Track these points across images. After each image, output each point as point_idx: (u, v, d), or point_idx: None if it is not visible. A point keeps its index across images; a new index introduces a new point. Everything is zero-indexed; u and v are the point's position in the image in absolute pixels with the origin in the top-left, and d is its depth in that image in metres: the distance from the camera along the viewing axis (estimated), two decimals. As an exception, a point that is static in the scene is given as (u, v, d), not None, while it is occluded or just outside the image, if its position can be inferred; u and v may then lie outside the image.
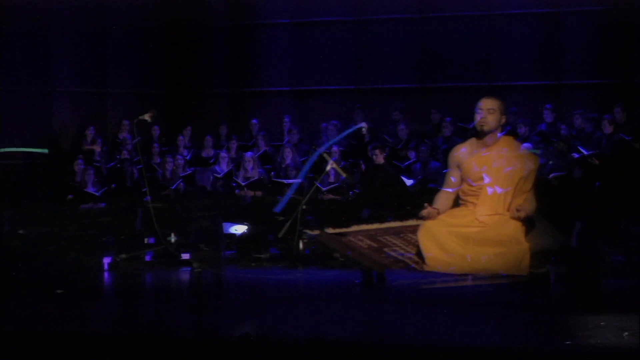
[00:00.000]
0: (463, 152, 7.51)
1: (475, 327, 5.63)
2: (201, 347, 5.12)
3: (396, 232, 7.73)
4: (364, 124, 11.51)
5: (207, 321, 6.00)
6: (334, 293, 7.08)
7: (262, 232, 9.38)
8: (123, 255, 8.30)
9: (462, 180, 7.47)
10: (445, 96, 15.04)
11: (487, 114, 7.33)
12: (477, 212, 7.29)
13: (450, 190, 7.51)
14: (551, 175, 11.69)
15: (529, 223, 7.20)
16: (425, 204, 7.41)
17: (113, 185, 13.47)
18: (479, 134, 7.46)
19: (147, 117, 8.65)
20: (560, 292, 6.90)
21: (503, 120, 7.46)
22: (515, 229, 7.16)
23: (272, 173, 13.46)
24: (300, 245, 7.97)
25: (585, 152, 12.13)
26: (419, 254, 7.25)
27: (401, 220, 8.09)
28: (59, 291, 6.99)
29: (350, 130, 11.86)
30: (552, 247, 7.18)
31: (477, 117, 7.37)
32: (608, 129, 12.50)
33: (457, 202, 7.52)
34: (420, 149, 13.07)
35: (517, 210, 7.17)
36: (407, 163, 13.21)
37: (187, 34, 16.11)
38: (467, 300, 6.63)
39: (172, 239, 8.59)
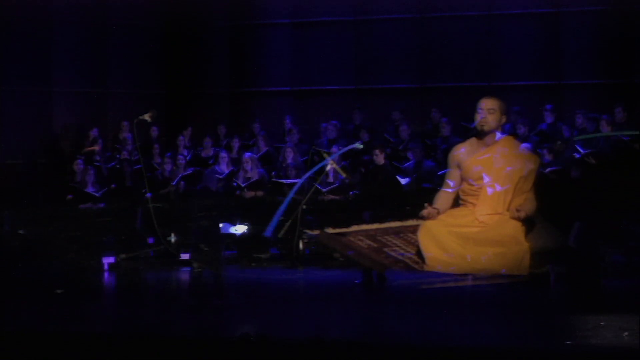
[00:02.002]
0: (463, 152, 7.51)
1: (476, 327, 5.62)
2: (201, 347, 5.11)
3: (396, 232, 7.72)
4: (359, 143, 11.51)
5: (207, 321, 6.00)
6: (334, 293, 7.07)
7: (262, 233, 9.38)
8: (123, 255, 8.32)
9: (462, 180, 7.47)
10: (446, 96, 15.05)
11: (488, 114, 7.35)
12: (477, 212, 7.29)
13: (450, 190, 7.51)
14: (547, 170, 11.67)
15: (529, 223, 7.21)
16: (425, 204, 7.42)
17: (113, 186, 13.45)
18: (479, 134, 7.47)
19: (147, 117, 8.68)
20: (561, 292, 6.89)
21: (503, 120, 7.49)
22: (515, 229, 7.16)
23: (273, 173, 13.44)
24: (301, 245, 7.97)
25: (582, 151, 12.14)
26: (419, 254, 7.25)
27: (401, 220, 8.07)
28: (59, 291, 6.99)
29: (346, 149, 11.79)
30: (552, 247, 7.16)
31: (478, 117, 7.38)
32: (606, 129, 12.50)
33: (457, 202, 7.52)
34: (414, 149, 13.05)
35: (517, 210, 7.18)
36: (406, 164, 13.20)
37: (187, 34, 16.12)
38: (467, 300, 6.62)
39: (172, 238, 8.60)
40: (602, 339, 5.05)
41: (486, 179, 7.32)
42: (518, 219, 7.17)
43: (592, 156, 11.99)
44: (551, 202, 7.80)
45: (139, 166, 13.72)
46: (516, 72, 14.98)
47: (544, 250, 7.15)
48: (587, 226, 7.33)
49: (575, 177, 11.74)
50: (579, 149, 12.22)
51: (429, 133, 14.19)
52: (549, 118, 13.73)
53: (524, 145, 12.43)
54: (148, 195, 9.14)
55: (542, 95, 14.60)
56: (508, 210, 7.25)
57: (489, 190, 7.29)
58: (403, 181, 12.36)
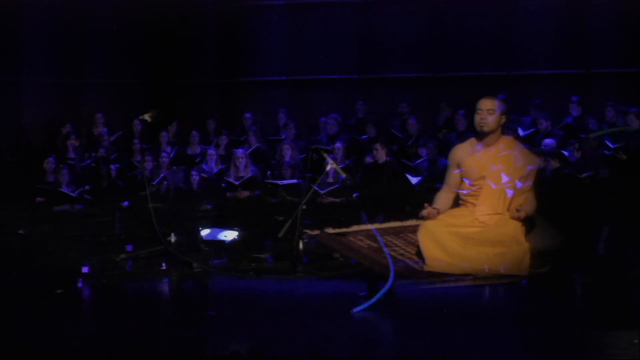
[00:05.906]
0: (464, 152, 8.14)
1: (492, 341, 5.62)
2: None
3: (396, 232, 8.35)
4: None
5: (193, 337, 5.99)
6: (334, 306, 7.07)
7: (257, 236, 9.51)
8: (123, 255, 8.54)
9: (463, 179, 8.05)
10: (459, 87, 15.06)
11: (487, 114, 7.96)
12: (477, 211, 7.89)
13: (450, 190, 8.11)
14: (583, 175, 11.69)
15: (529, 223, 7.81)
16: (425, 204, 8.01)
17: (87, 187, 13.45)
18: (479, 135, 8.06)
19: (147, 117, 9.17)
20: (587, 304, 6.92)
21: (503, 120, 8.08)
22: (515, 229, 7.75)
23: (269, 172, 13.42)
24: (300, 246, 8.17)
25: (611, 146, 12.13)
26: (419, 254, 7.82)
27: (401, 220, 8.62)
28: (59, 291, 7.09)
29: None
30: (552, 247, 7.74)
31: (477, 118, 8.01)
32: (635, 123, 12.52)
33: (457, 202, 8.11)
34: (428, 145, 13.07)
35: (517, 210, 7.77)
36: (417, 161, 13.19)
37: (171, 18, 16.10)
38: (480, 311, 6.66)
39: (172, 239, 8.86)
40: (636, 359, 5.05)
41: (487, 179, 7.83)
42: (518, 219, 7.76)
43: (621, 151, 11.98)
44: (554, 202, 8.13)
45: (117, 165, 13.74)
46: (538, 59, 15.06)
47: (544, 250, 7.72)
48: (616, 231, 7.40)
49: (603, 176, 11.73)
50: (608, 144, 12.21)
51: (438, 127, 14.17)
52: (575, 111, 13.80)
53: (547, 141, 12.52)
54: (125, 203, 9.25)
55: (568, 86, 14.70)
56: (508, 210, 7.82)
57: (490, 191, 7.80)
58: (413, 180, 12.39)
